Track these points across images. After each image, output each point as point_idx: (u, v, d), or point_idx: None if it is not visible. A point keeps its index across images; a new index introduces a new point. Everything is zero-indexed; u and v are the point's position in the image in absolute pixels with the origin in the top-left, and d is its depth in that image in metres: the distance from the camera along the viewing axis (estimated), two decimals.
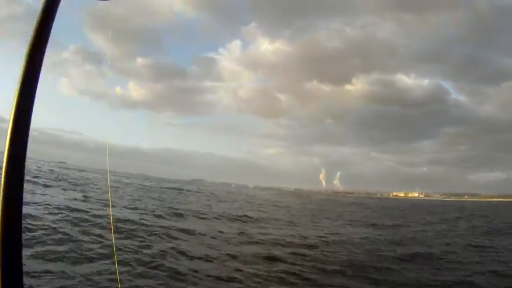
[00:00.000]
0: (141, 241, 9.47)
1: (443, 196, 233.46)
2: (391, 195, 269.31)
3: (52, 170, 40.18)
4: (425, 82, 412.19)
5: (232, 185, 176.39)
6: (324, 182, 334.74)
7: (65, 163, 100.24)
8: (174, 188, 44.15)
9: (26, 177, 1.25)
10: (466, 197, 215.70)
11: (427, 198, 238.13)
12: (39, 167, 40.01)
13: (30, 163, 39.80)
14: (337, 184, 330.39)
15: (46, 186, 20.40)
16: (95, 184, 28.66)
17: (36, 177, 24.51)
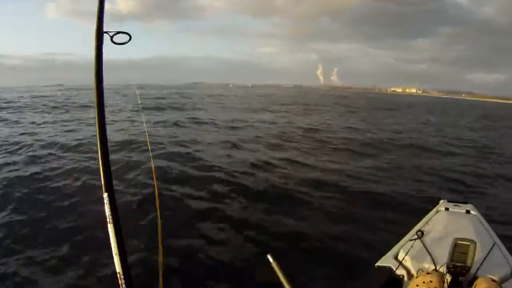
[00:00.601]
0: None
1: (441, 93, 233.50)
2: (389, 91, 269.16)
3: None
4: None
5: (230, 85, 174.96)
6: (322, 78, 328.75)
7: (62, 85, 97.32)
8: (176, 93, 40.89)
9: None
10: (463, 95, 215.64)
11: (424, 94, 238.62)
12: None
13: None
14: (335, 79, 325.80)
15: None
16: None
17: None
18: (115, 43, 1.30)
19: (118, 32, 1.29)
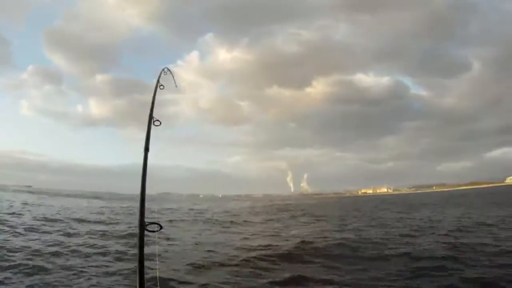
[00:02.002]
0: None
1: (412, 189, 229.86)
2: (359, 193, 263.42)
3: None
4: (384, 79, 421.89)
5: (200, 195, 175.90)
6: (292, 185, 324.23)
7: (31, 186, 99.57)
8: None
9: None
10: (434, 187, 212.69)
11: (396, 192, 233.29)
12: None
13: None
14: (305, 186, 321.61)
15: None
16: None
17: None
18: (148, 230, 2.02)
19: (152, 223, 1.98)
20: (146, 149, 2.12)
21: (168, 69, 2.97)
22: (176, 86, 3.00)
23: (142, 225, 1.97)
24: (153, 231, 1.96)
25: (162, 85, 2.64)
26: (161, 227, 2.02)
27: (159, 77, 2.76)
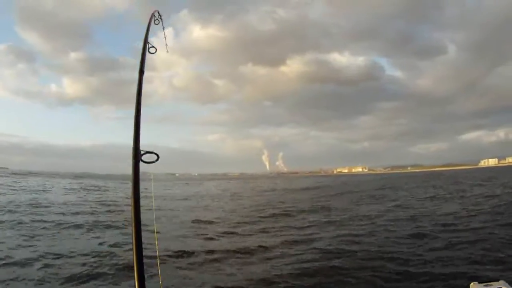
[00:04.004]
0: None
1: (387, 169, 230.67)
2: (335, 172, 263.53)
3: None
4: (360, 59, 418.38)
5: (176, 174, 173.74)
6: (267, 164, 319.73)
7: (7, 168, 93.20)
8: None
9: None
10: (409, 168, 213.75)
11: (371, 172, 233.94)
12: None
13: None
14: (281, 165, 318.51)
15: None
16: None
17: None
18: (144, 161, 1.71)
19: (148, 152, 1.71)
20: (141, 72, 1.95)
21: (159, 14, 2.49)
22: (168, 51, 2.77)
23: (137, 155, 1.70)
24: (150, 162, 1.68)
25: (153, 47, 2.16)
26: (158, 157, 1.69)
27: (150, 21, 2.36)
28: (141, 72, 1.95)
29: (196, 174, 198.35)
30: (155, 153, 1.71)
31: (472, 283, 2.48)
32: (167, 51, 2.75)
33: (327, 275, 6.12)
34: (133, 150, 1.69)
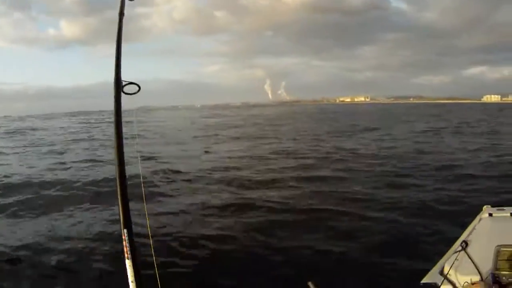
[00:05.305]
0: None
1: (389, 99, 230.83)
2: (337, 101, 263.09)
3: None
4: None
5: (179, 106, 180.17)
6: (270, 93, 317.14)
7: (10, 116, 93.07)
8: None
9: None
10: (411, 99, 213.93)
11: (373, 101, 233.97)
12: None
13: None
14: (283, 94, 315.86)
15: None
16: None
17: None
18: (125, 93, 1.62)
19: (130, 83, 1.62)
20: (121, 14, 1.82)
21: None
22: None
23: (119, 86, 1.62)
24: (131, 94, 1.62)
25: None
26: (139, 88, 1.63)
27: None
28: (121, 14, 1.85)
29: (199, 106, 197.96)
30: (137, 84, 1.66)
31: (484, 206, 2.47)
32: None
33: None
34: (114, 81, 1.64)
